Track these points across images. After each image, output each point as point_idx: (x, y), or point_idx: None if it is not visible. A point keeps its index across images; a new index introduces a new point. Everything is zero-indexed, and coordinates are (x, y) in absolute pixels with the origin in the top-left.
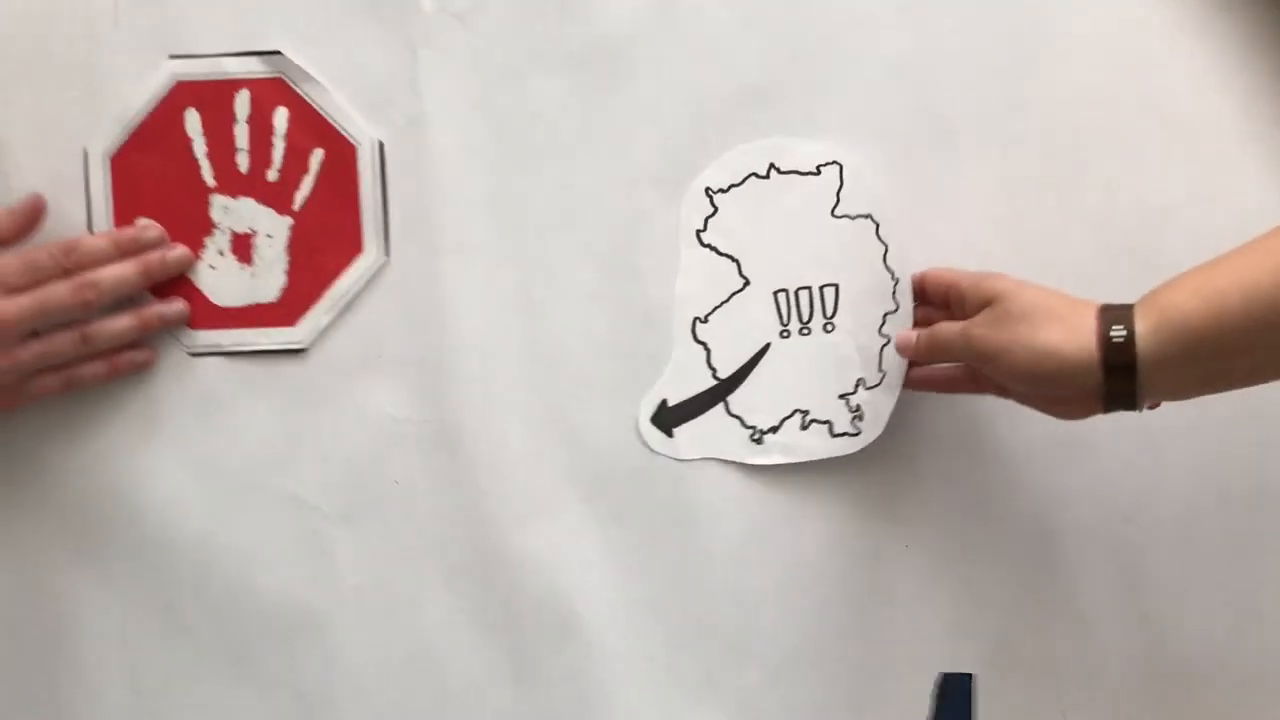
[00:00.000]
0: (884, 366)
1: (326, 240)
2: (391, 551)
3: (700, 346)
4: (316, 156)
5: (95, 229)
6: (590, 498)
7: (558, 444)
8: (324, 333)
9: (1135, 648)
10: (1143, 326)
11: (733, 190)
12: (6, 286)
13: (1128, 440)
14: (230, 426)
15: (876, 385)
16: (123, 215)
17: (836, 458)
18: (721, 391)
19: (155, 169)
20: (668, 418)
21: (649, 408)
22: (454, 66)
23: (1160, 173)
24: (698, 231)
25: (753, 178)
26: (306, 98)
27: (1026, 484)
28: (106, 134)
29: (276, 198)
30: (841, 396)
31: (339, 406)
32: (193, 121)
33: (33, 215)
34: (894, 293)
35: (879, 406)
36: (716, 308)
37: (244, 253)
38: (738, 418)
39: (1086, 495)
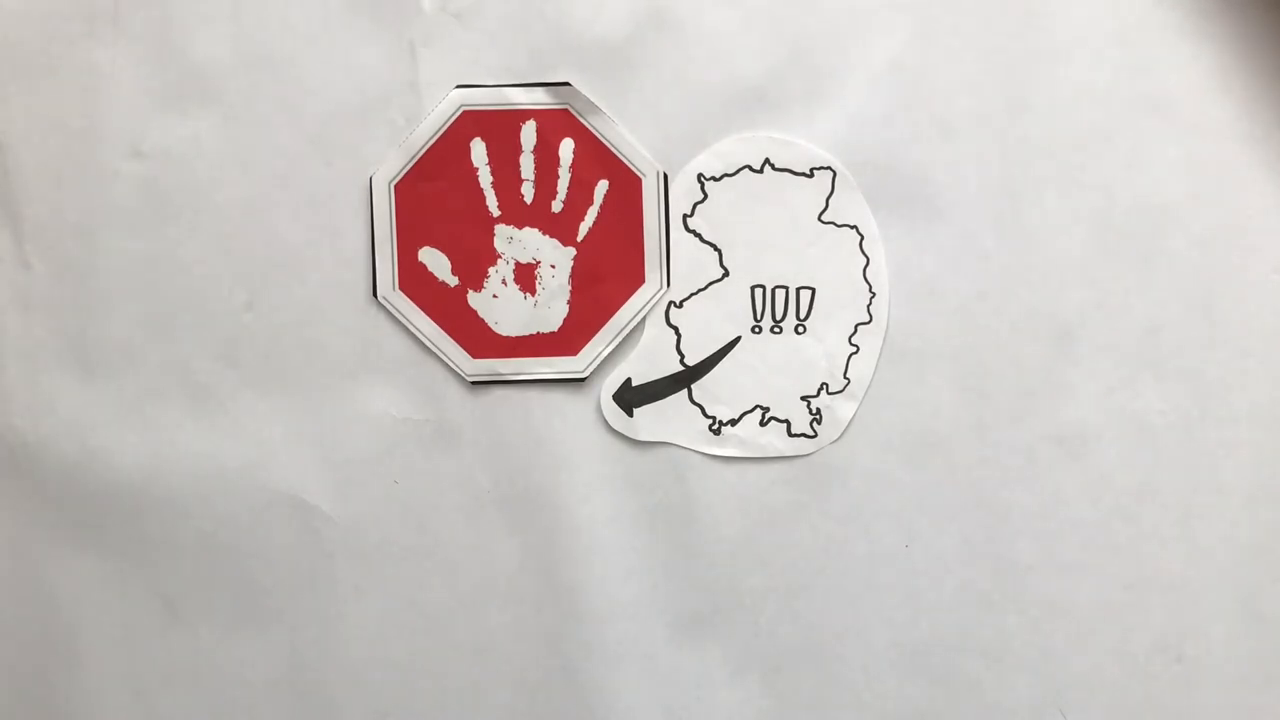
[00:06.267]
0: (849, 375)
1: (608, 271)
2: (392, 551)
3: (672, 330)
4: (601, 188)
5: (378, 256)
6: (589, 496)
7: (558, 440)
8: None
9: (1135, 647)
10: None
11: (725, 180)
12: None
13: (1128, 440)
14: (230, 426)
15: (839, 392)
16: (406, 243)
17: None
18: (686, 378)
19: (440, 198)
20: (630, 397)
21: (613, 384)
22: (454, 66)
23: (1160, 173)
24: (685, 216)
25: (746, 170)
26: (592, 129)
27: (1026, 484)
28: (392, 162)
29: (560, 229)
30: (804, 398)
31: (339, 406)
32: (478, 151)
33: None
34: (869, 305)
35: (838, 412)
36: (693, 294)
37: (527, 282)
38: (699, 406)
39: (1086, 495)
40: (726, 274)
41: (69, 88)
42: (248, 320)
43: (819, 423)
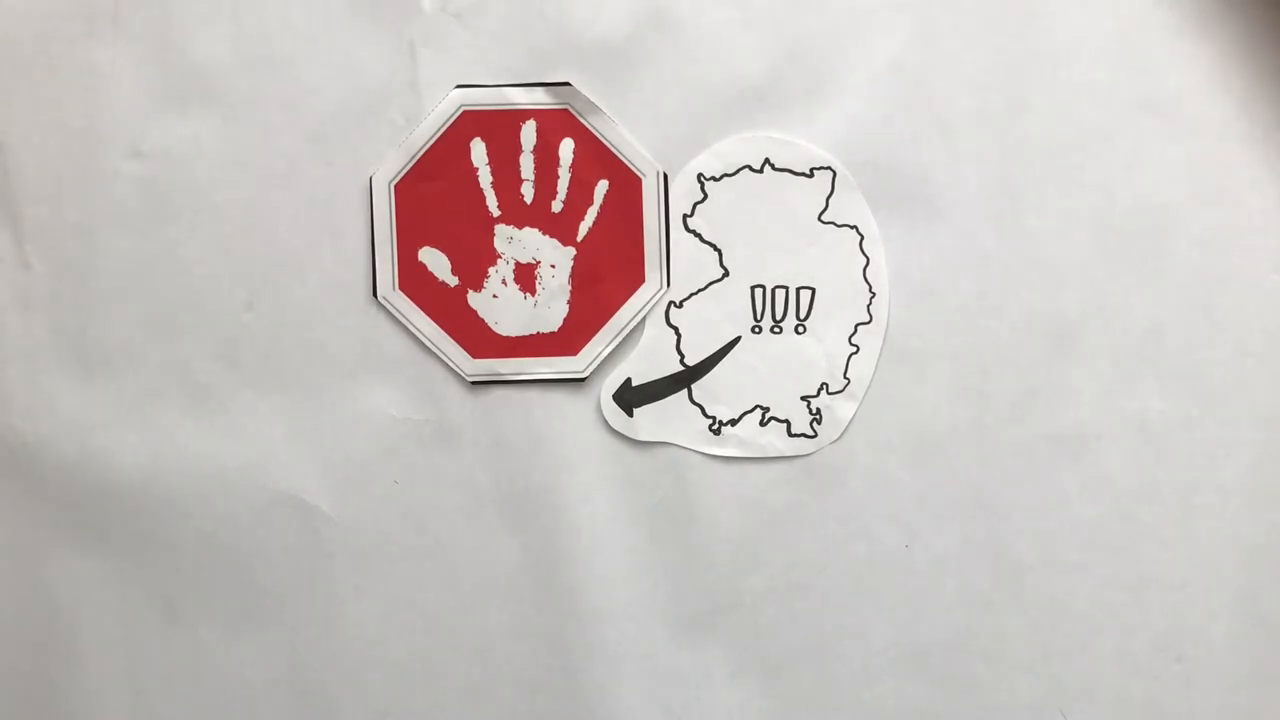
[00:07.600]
0: (849, 375)
1: (608, 271)
2: (392, 551)
3: (672, 330)
4: (601, 188)
5: (378, 256)
6: (589, 496)
7: (558, 440)
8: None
9: (1135, 647)
10: None
11: (725, 180)
12: None
13: (1128, 439)
14: (230, 426)
15: (839, 392)
16: (406, 243)
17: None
18: (686, 378)
19: (440, 198)
20: (630, 397)
21: (613, 384)
22: (454, 66)
23: (1160, 173)
24: (685, 216)
25: (746, 170)
26: (592, 129)
27: (1026, 484)
28: (392, 162)
29: (560, 229)
30: (804, 398)
31: (339, 406)
32: (478, 151)
33: None
34: (869, 305)
35: (838, 412)
36: (693, 294)
37: (527, 282)
38: (699, 406)
39: (1086, 495)
40: (726, 274)
41: (69, 88)
42: (248, 320)
43: (819, 423)
